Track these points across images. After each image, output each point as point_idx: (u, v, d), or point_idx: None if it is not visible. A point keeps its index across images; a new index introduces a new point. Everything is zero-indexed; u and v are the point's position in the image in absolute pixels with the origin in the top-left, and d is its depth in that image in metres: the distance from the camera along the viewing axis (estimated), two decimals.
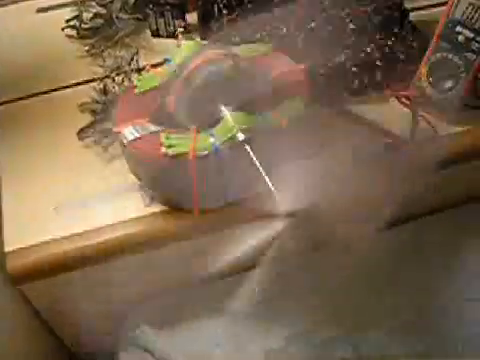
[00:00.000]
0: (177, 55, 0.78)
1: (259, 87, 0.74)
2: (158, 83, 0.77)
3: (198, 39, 1.00)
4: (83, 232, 0.77)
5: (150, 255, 0.80)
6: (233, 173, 0.71)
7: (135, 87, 0.78)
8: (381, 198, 0.71)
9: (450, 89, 0.84)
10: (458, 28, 0.82)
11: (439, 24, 0.85)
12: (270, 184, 0.64)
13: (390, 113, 0.87)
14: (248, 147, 0.67)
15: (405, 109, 0.86)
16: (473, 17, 0.80)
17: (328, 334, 0.83)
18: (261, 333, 0.83)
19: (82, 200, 0.80)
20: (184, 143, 0.69)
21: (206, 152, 0.68)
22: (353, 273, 0.86)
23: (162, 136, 0.70)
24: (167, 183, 0.74)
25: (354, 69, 0.88)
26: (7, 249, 0.76)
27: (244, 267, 0.67)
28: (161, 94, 0.76)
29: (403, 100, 0.88)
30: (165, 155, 0.68)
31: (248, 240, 0.64)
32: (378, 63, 0.88)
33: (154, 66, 0.83)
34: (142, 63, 0.95)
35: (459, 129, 0.86)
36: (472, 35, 0.80)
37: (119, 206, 0.79)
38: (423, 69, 0.87)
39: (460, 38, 0.82)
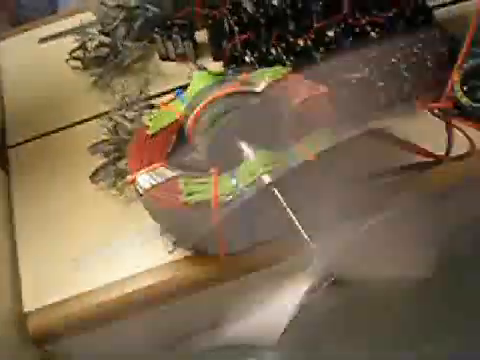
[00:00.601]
0: (189, 88, 0.73)
1: (282, 119, 0.68)
2: (171, 121, 0.72)
3: (210, 61, 0.95)
4: (104, 286, 0.72)
5: (178, 304, 0.75)
6: (260, 217, 0.66)
7: (147, 127, 0.72)
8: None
9: None
10: None
11: (471, 27, 0.77)
12: (305, 236, 0.58)
13: (423, 127, 0.81)
14: (275, 190, 0.61)
15: (439, 121, 0.80)
16: None
17: None
18: None
19: (101, 250, 0.75)
20: (205, 189, 0.63)
21: (230, 198, 0.62)
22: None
23: (180, 183, 0.64)
24: (190, 230, 0.69)
25: (380, 83, 0.81)
26: (27, 309, 0.72)
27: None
28: (175, 134, 0.71)
29: (436, 112, 0.81)
30: (185, 204, 0.63)
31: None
32: (405, 74, 0.82)
33: (166, 95, 0.77)
34: (154, 91, 0.90)
35: None
36: None
37: (141, 254, 0.74)
38: (456, 77, 0.80)
39: None
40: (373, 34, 0.87)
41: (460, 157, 0.78)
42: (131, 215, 0.77)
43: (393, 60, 0.82)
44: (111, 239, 0.76)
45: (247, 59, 0.87)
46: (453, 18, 0.93)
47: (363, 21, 0.88)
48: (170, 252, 0.73)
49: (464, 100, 0.80)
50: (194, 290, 0.74)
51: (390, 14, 0.88)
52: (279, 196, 0.61)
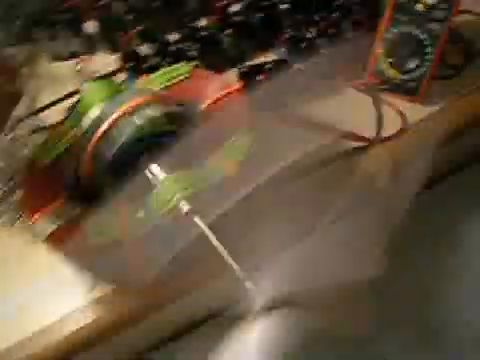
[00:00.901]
0: (82, 102, 0.63)
1: (193, 128, 0.59)
2: (66, 146, 0.62)
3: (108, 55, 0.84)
4: (24, 339, 0.63)
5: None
6: (183, 245, 0.57)
7: (39, 156, 0.62)
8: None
9: (415, 68, 0.70)
10: None
11: None
12: (232, 263, 0.51)
13: (349, 106, 0.73)
14: (197, 218, 0.53)
15: (367, 98, 0.73)
16: None
17: None
18: None
19: (13, 299, 0.66)
20: (114, 225, 0.55)
21: (142, 232, 0.54)
22: None
23: (86, 222, 0.55)
24: (105, 269, 0.60)
25: (297, 63, 0.73)
26: None
27: None
28: (74, 161, 0.61)
29: (361, 88, 0.74)
30: (94, 245, 0.54)
31: None
32: (324, 51, 0.74)
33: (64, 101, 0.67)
34: (49, 98, 0.80)
35: (434, 109, 0.73)
36: (433, 1, 0.66)
37: (59, 298, 0.65)
38: (380, 48, 0.72)
39: (419, 7, 0.67)
40: (284, 6, 0.78)
41: (392, 136, 0.72)
42: (42, 254, 0.67)
43: (309, 35, 0.74)
44: (22, 284, 0.67)
45: (146, 52, 0.77)
46: None
47: None
48: (89, 291, 0.65)
49: (391, 73, 0.72)
50: (122, 326, 0.66)
51: None
52: (201, 223, 0.53)
